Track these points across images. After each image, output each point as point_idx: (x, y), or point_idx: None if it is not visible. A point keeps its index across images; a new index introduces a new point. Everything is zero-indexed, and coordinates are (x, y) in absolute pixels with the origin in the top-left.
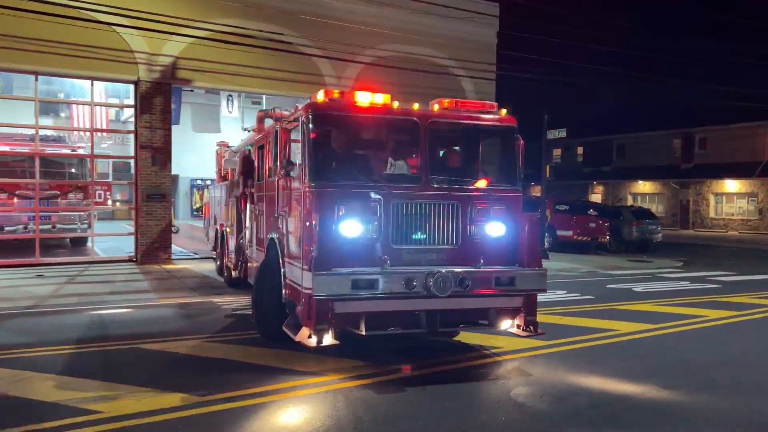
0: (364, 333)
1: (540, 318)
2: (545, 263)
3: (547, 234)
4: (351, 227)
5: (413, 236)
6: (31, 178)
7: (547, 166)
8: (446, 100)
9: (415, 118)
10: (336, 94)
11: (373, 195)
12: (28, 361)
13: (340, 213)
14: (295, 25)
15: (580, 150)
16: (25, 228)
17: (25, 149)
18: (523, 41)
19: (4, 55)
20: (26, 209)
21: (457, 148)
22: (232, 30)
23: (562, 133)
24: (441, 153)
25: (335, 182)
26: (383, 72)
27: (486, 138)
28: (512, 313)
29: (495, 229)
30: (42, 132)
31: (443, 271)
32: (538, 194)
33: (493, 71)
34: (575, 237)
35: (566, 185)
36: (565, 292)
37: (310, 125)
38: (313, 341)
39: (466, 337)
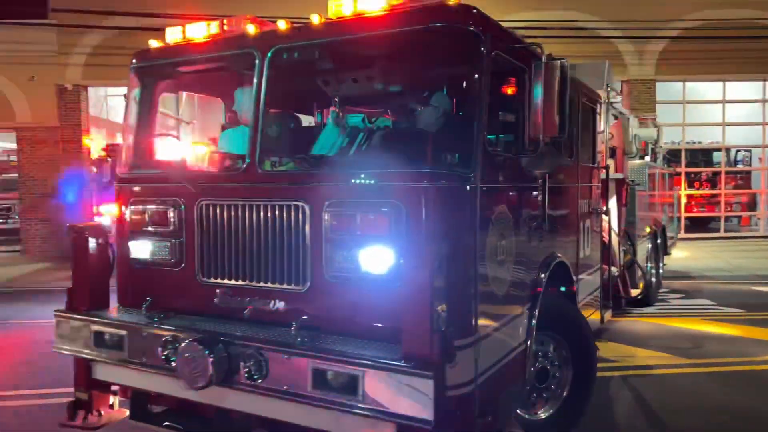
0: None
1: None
2: None
3: None
4: (140, 245)
5: (229, 265)
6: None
7: None
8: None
9: (249, 49)
10: (173, 39)
11: (170, 192)
12: None
13: (129, 220)
14: (586, 6)
15: None
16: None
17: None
18: None
19: None
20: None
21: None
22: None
23: None
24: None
25: (136, 172)
26: (691, 43)
27: (403, 70)
28: None
29: (374, 260)
30: None
31: (197, 340)
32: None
33: None
34: None
35: None
36: None
37: (131, 90)
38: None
39: None
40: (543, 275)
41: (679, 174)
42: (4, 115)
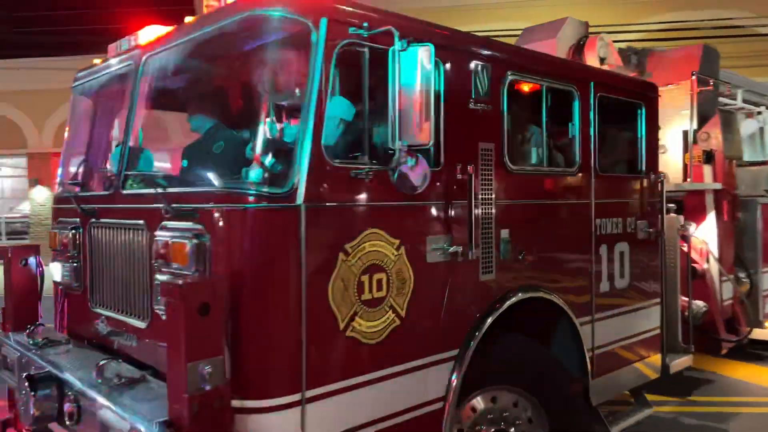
0: None
1: None
2: None
3: None
4: (57, 267)
5: (104, 293)
6: None
7: None
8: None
9: (130, 61)
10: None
11: (74, 214)
12: None
13: (53, 242)
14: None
15: None
16: None
17: None
18: None
19: None
20: None
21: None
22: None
23: None
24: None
25: (63, 193)
26: None
27: (234, 69)
28: None
29: None
30: None
31: (27, 378)
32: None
33: None
34: None
35: None
36: None
37: (69, 109)
38: None
39: None
40: (486, 316)
41: None
42: None
